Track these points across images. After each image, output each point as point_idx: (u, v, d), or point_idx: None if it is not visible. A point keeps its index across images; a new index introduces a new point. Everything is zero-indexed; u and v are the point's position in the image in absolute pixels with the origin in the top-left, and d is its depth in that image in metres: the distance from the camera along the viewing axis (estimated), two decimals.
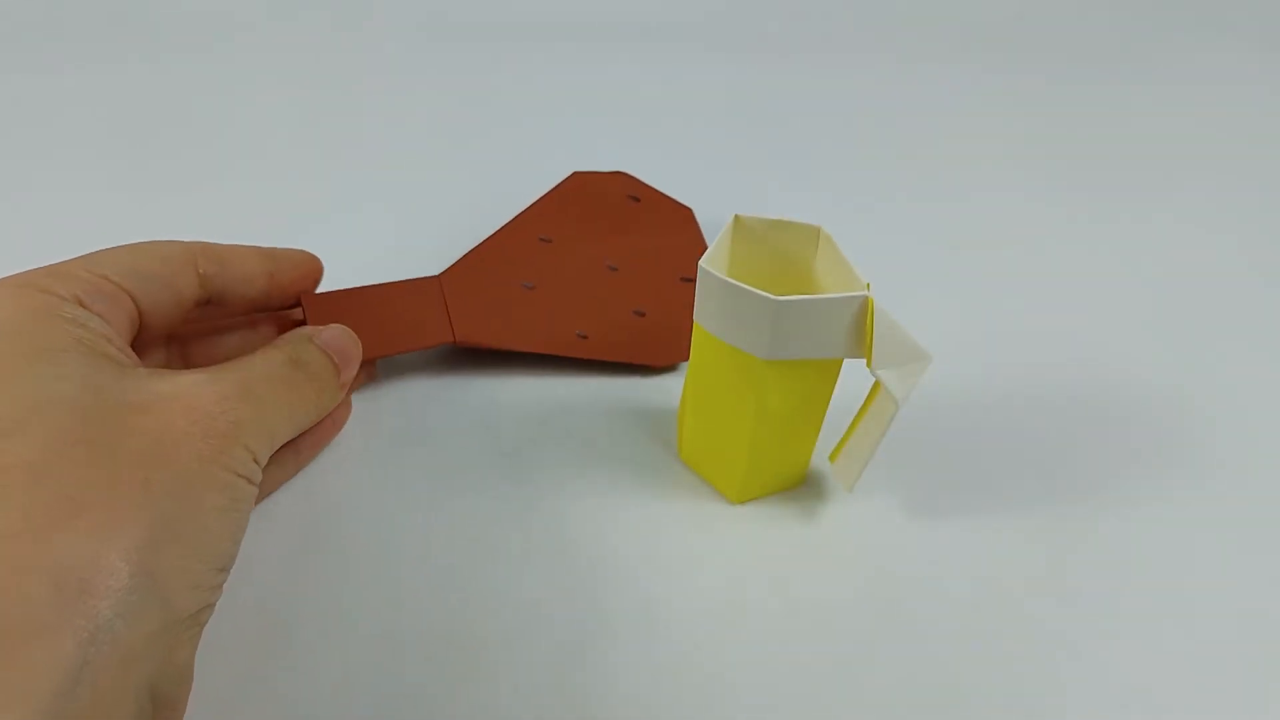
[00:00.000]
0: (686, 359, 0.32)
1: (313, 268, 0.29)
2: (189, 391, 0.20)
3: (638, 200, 0.35)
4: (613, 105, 0.51)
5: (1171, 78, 0.57)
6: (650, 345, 0.32)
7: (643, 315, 0.33)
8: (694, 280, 0.33)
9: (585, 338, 0.32)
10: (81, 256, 0.22)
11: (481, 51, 0.56)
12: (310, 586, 0.25)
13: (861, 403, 0.25)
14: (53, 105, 0.47)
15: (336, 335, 0.26)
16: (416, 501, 0.27)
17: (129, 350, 0.22)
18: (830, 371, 0.24)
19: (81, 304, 0.21)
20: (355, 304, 0.30)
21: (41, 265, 0.21)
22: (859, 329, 0.22)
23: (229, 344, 0.28)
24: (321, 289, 0.30)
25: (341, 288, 0.30)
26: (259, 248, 0.27)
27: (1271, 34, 0.64)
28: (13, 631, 0.16)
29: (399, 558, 0.26)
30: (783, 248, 0.25)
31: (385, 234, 0.39)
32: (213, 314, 0.27)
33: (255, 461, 0.21)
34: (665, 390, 0.32)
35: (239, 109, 0.49)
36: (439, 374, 0.32)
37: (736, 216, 0.25)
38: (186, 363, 0.27)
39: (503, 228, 0.33)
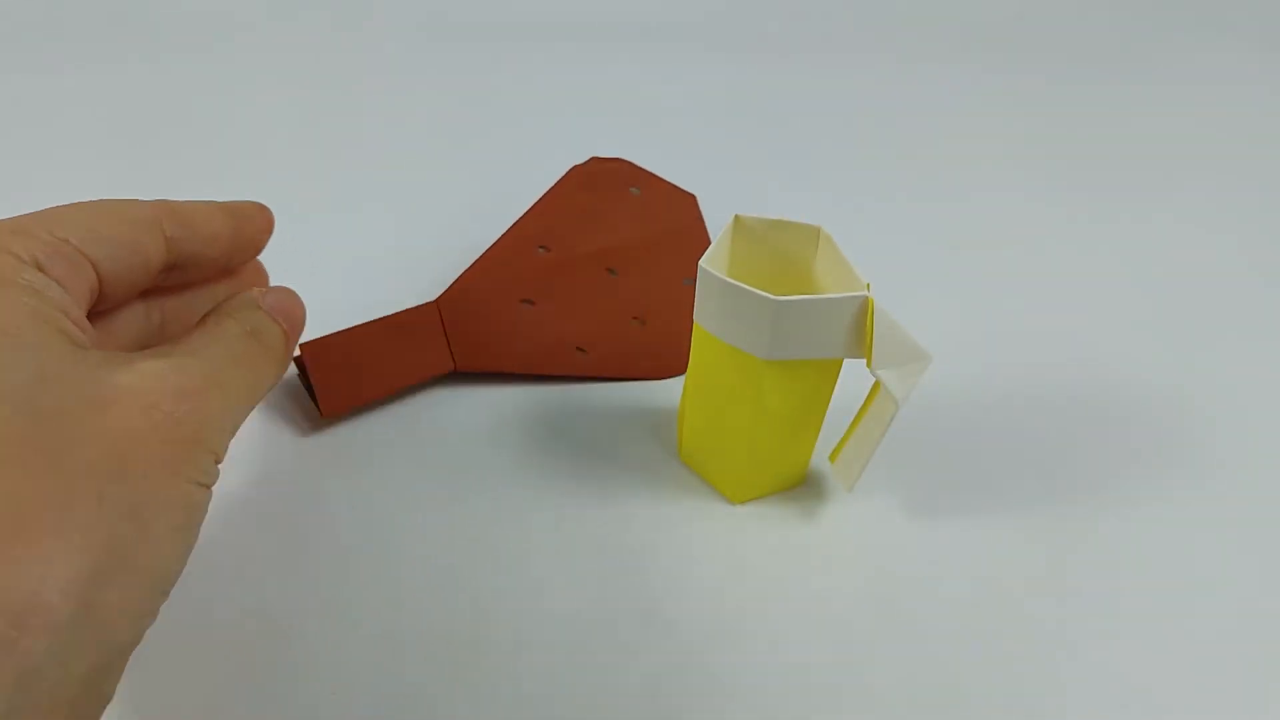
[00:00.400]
0: (685, 372, 0.31)
1: (267, 220, 0.26)
2: (149, 385, 0.18)
3: (639, 191, 0.35)
4: (613, 105, 0.51)
5: (1171, 78, 0.57)
6: (649, 358, 0.32)
7: (643, 323, 0.33)
8: (695, 282, 0.33)
9: (584, 352, 0.32)
10: (38, 213, 0.20)
11: (482, 51, 0.56)
12: (310, 587, 0.25)
13: (861, 403, 0.25)
14: (53, 105, 0.47)
15: (282, 298, 0.24)
16: (416, 502, 0.27)
17: (85, 324, 0.19)
18: (830, 371, 0.24)
19: (40, 268, 0.19)
20: (355, 345, 0.29)
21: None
22: (859, 329, 0.22)
23: (201, 301, 0.26)
24: (322, 321, 0.29)
25: (327, 328, 0.29)
26: (219, 204, 0.24)
27: (1272, 34, 0.64)
28: None
29: (399, 558, 0.26)
30: (783, 248, 0.25)
31: (385, 234, 0.39)
32: (176, 279, 0.24)
33: (216, 462, 0.19)
34: (665, 391, 0.32)
35: (239, 109, 0.49)
36: (437, 380, 0.32)
37: (736, 216, 0.25)
38: (164, 320, 0.25)
39: (501, 238, 0.32)
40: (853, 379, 0.26)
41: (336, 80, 0.52)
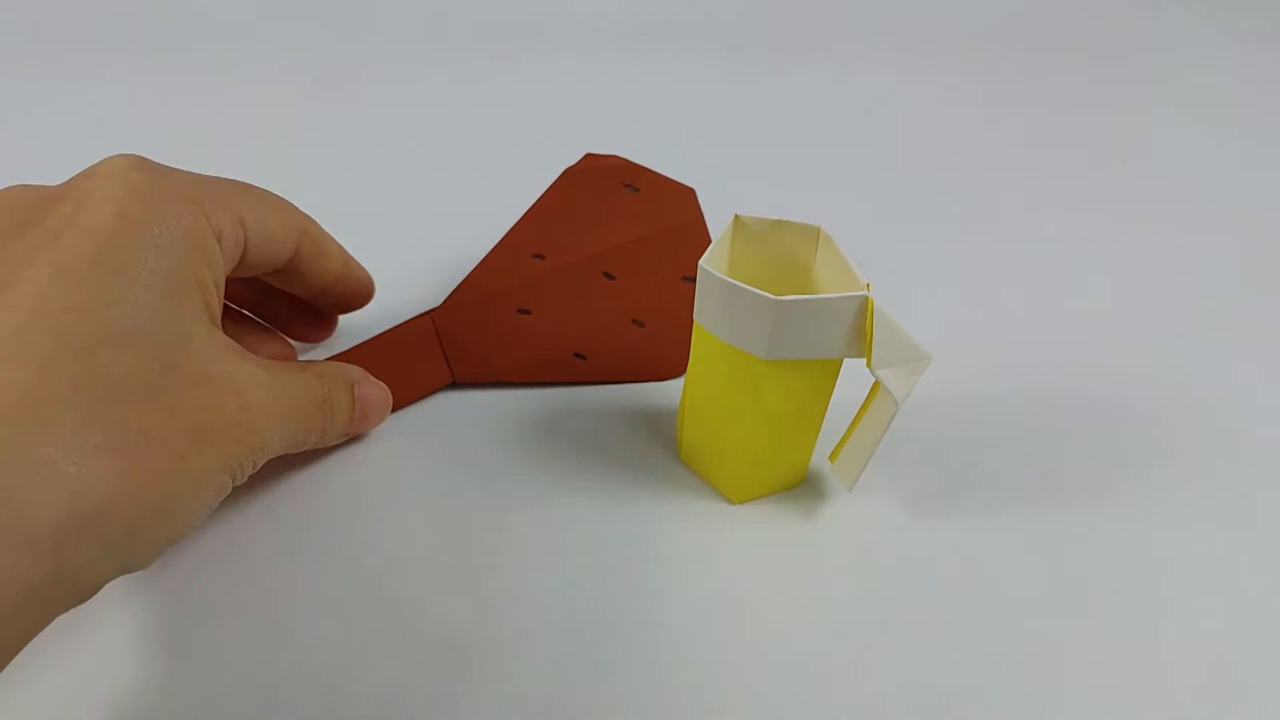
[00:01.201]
0: (685, 372, 0.31)
1: (366, 294, 0.30)
2: (249, 385, 0.21)
3: (636, 190, 0.34)
4: (613, 105, 0.51)
5: (1172, 78, 0.58)
6: (649, 360, 0.32)
7: (641, 326, 0.32)
8: (694, 280, 0.32)
9: (584, 358, 0.32)
10: (235, 184, 0.23)
11: (482, 51, 0.56)
12: (310, 586, 0.25)
13: (861, 403, 0.25)
14: (53, 105, 0.47)
15: (375, 395, 0.27)
16: (416, 502, 0.27)
17: (221, 302, 0.22)
18: (830, 371, 0.24)
19: (219, 240, 0.21)
20: (353, 362, 0.29)
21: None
22: (859, 329, 0.22)
23: (252, 327, 0.29)
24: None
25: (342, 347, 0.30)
26: (345, 250, 0.28)
27: (1272, 33, 0.64)
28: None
29: (398, 558, 0.26)
30: (783, 248, 0.25)
31: (386, 233, 0.39)
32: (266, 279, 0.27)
33: (251, 471, 0.22)
34: (665, 391, 0.32)
35: (239, 109, 0.49)
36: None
37: (736, 216, 0.25)
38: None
39: (495, 248, 0.32)
40: (853, 379, 0.26)
41: (337, 80, 0.52)
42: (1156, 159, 0.48)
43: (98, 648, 0.23)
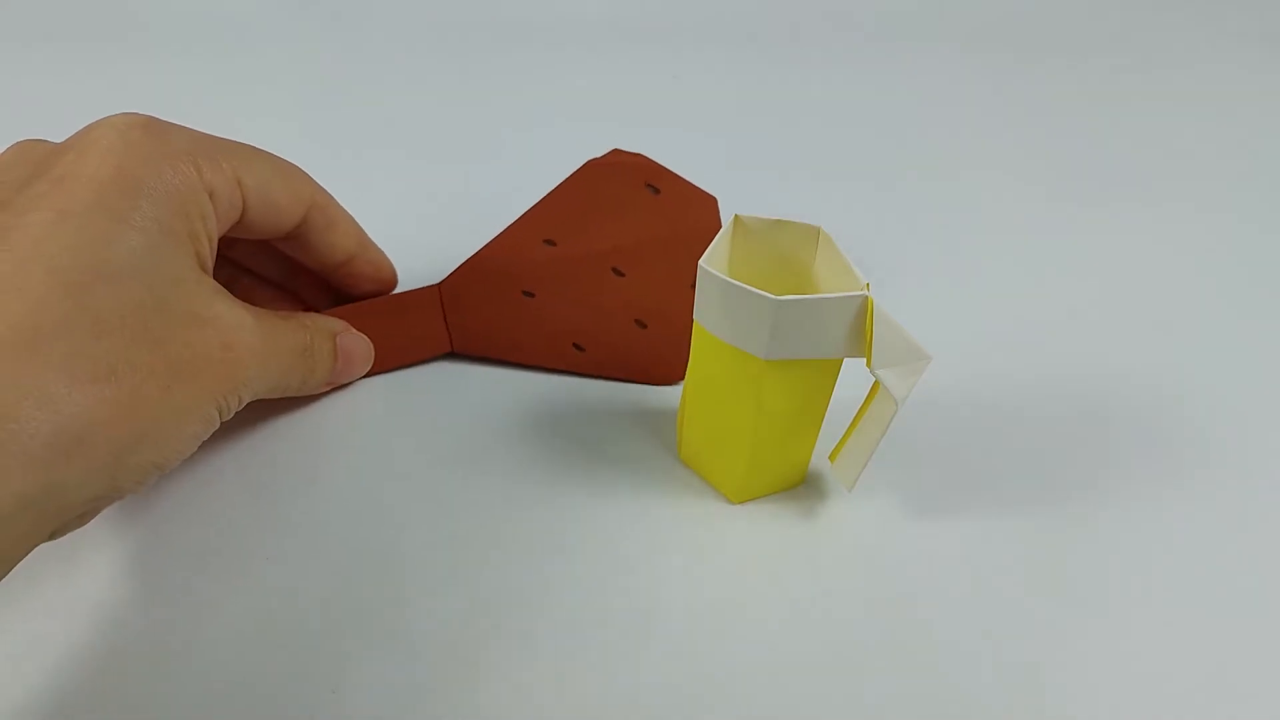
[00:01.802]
0: (683, 379, 0.31)
1: (386, 280, 0.31)
2: (234, 326, 0.22)
3: (657, 191, 0.34)
4: (613, 105, 0.51)
5: (1172, 78, 0.57)
6: (647, 362, 0.32)
7: (644, 327, 0.32)
8: None
9: (582, 350, 0.32)
10: (233, 144, 0.24)
11: (483, 52, 0.56)
12: (309, 585, 0.25)
13: (861, 403, 0.25)
14: (53, 106, 0.47)
15: (356, 344, 0.28)
16: (415, 501, 0.27)
17: (213, 254, 0.24)
18: (830, 371, 0.24)
19: (211, 196, 0.23)
20: (354, 321, 0.30)
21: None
22: (859, 329, 0.22)
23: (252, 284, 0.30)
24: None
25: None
26: (360, 229, 0.29)
27: (1272, 34, 0.64)
28: None
29: (397, 557, 0.26)
30: (783, 248, 0.25)
31: (386, 233, 0.38)
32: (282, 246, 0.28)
33: (236, 408, 0.23)
34: (665, 391, 0.32)
35: (239, 109, 0.49)
36: (438, 373, 0.32)
37: (736, 216, 0.25)
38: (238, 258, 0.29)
39: (508, 228, 0.32)
40: (853, 379, 0.26)
41: (337, 80, 0.52)
42: (1157, 160, 0.48)
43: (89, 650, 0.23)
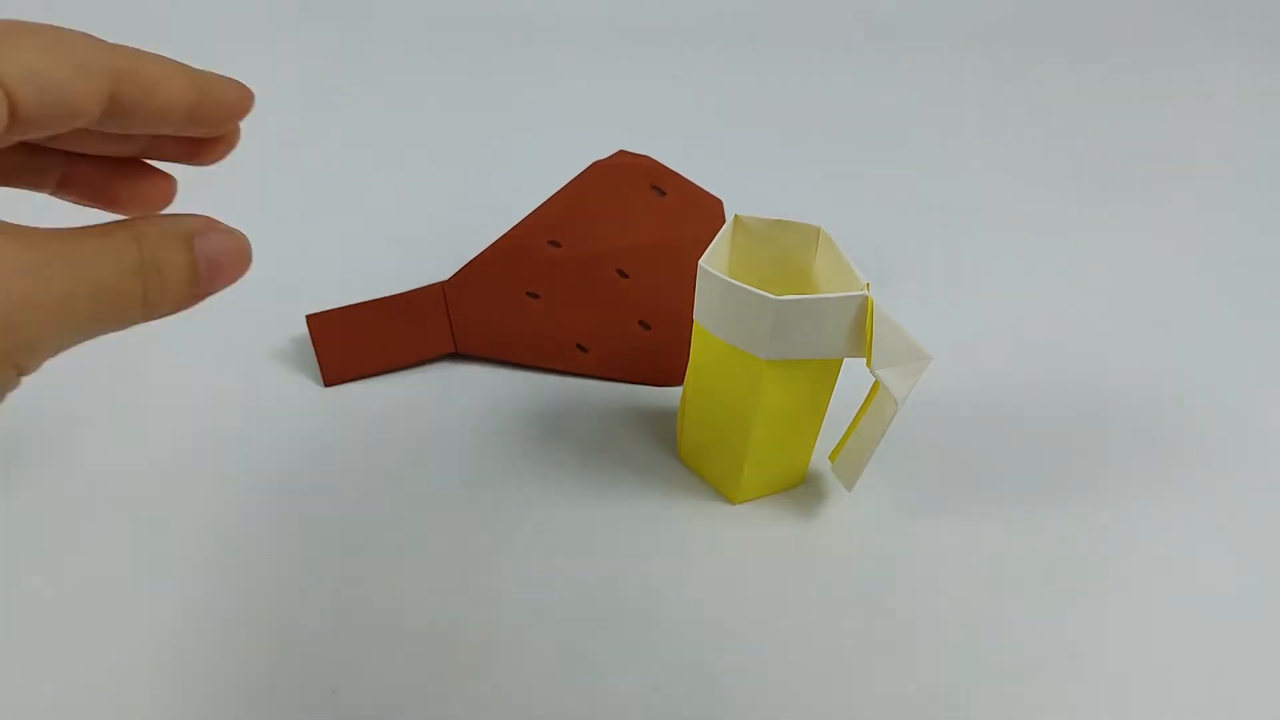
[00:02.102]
0: (683, 383, 0.31)
1: (241, 100, 0.23)
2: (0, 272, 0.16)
3: (663, 193, 0.34)
4: (614, 105, 0.51)
5: (1172, 78, 0.57)
6: (650, 364, 0.32)
7: (648, 328, 0.32)
8: None
9: (585, 351, 0.32)
10: None
11: (487, 52, 0.56)
12: (309, 586, 0.25)
13: (861, 403, 0.25)
14: None
15: (224, 244, 0.21)
16: (416, 501, 0.27)
17: None
18: (830, 371, 0.24)
19: None
20: (358, 320, 0.30)
21: None
22: (859, 329, 0.22)
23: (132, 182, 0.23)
24: (327, 299, 0.30)
25: (344, 302, 0.30)
26: (188, 71, 0.21)
27: (1272, 33, 0.64)
28: None
29: (398, 557, 0.26)
30: (783, 248, 0.25)
31: (386, 234, 0.39)
32: (119, 143, 0.22)
33: (19, 375, 0.17)
34: (665, 391, 0.32)
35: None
36: (439, 373, 0.32)
37: (736, 216, 0.25)
38: (70, 178, 0.22)
39: (513, 228, 0.32)
40: (853, 379, 0.26)
41: (338, 80, 0.52)
42: (1157, 160, 0.48)
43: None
